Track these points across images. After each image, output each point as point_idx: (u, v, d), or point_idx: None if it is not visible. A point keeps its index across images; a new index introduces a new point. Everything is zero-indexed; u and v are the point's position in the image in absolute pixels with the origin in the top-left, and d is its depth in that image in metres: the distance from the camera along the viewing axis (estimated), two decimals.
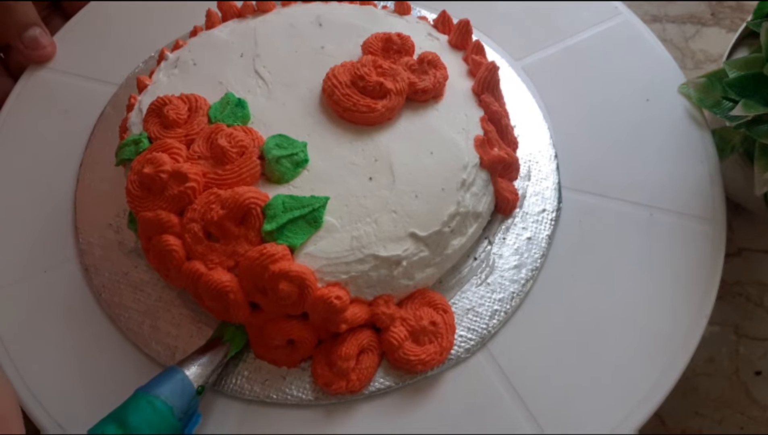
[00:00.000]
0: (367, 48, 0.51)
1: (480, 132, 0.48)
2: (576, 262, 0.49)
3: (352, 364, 0.44)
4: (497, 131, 0.50)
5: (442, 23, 0.55)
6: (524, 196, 0.52)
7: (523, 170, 0.53)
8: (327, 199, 0.44)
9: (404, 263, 0.44)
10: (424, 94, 0.49)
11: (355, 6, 0.56)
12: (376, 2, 0.59)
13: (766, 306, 0.60)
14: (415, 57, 0.51)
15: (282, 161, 0.46)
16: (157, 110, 0.49)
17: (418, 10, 0.62)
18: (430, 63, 0.50)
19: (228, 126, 0.47)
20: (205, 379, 0.41)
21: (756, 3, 0.56)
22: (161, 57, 0.55)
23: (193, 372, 0.41)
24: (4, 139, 0.59)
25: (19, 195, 0.56)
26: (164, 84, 0.53)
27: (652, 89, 0.57)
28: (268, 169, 0.46)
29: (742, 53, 0.59)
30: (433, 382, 0.45)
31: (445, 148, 0.47)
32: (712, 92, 0.55)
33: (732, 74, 0.53)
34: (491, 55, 0.59)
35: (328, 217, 0.44)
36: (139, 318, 0.49)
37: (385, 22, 0.54)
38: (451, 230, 0.46)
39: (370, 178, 0.46)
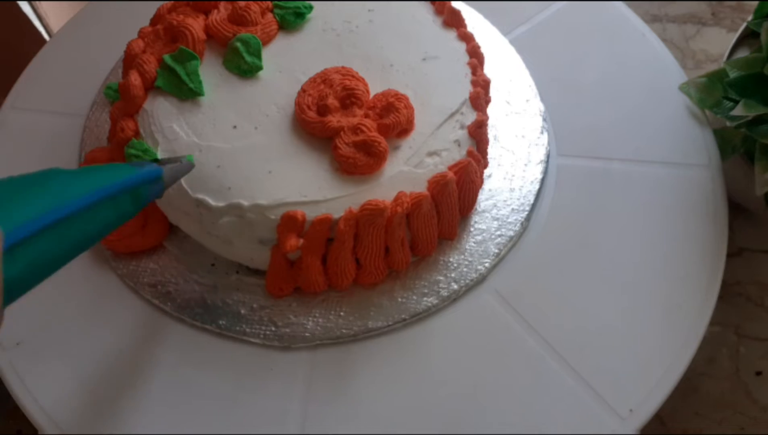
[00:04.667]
0: (381, 94, 0.48)
1: (310, 218, 0.45)
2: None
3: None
4: (329, 248, 0.46)
5: (455, 166, 0.48)
6: (290, 305, 0.48)
7: (321, 304, 0.48)
8: (200, 95, 0.50)
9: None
10: (333, 150, 0.46)
11: (467, 85, 0.50)
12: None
13: (766, 306, 0.60)
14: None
15: (233, 54, 0.51)
16: None
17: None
18: (367, 146, 0.45)
19: (272, 11, 0.54)
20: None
21: (756, 3, 0.57)
22: None
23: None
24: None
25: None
26: None
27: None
28: (228, 47, 0.52)
29: (743, 53, 0.59)
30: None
31: (277, 183, 0.45)
32: (712, 92, 0.55)
33: (732, 74, 0.53)
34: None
35: (189, 103, 0.50)
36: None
37: (445, 112, 0.48)
38: (200, 213, 0.46)
39: (234, 127, 0.48)
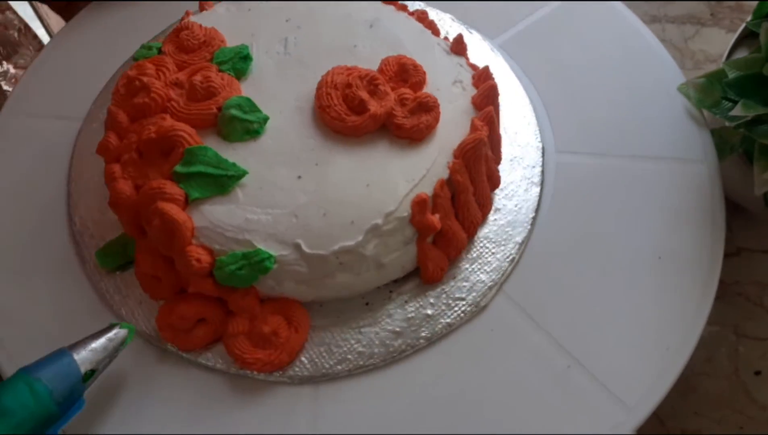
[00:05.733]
0: (383, 64, 0.50)
1: (430, 191, 0.46)
2: (459, 366, 0.46)
3: (185, 325, 0.45)
4: (455, 202, 0.48)
5: (479, 78, 0.51)
6: (454, 276, 0.48)
7: (474, 252, 0.49)
8: (244, 173, 0.46)
9: (275, 266, 0.44)
10: (398, 130, 0.47)
11: (417, 26, 0.54)
12: (450, 29, 0.60)
13: (765, 306, 0.60)
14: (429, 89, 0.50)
15: (234, 122, 0.47)
16: (178, 32, 0.52)
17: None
18: (422, 105, 0.47)
19: (220, 71, 0.50)
20: (96, 364, 0.41)
21: (755, 3, 0.57)
22: None
23: (83, 356, 0.40)
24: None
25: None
26: (216, 15, 0.55)
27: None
28: (220, 122, 0.47)
29: (742, 53, 0.59)
30: (255, 385, 0.45)
31: (382, 188, 0.45)
32: (711, 92, 0.55)
33: (731, 74, 0.53)
34: (532, 137, 0.56)
35: (238, 190, 0.45)
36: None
37: (428, 50, 0.52)
38: (341, 263, 0.44)
39: (299, 177, 0.46)
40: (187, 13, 0.56)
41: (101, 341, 0.42)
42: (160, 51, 0.52)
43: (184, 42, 0.51)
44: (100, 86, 0.61)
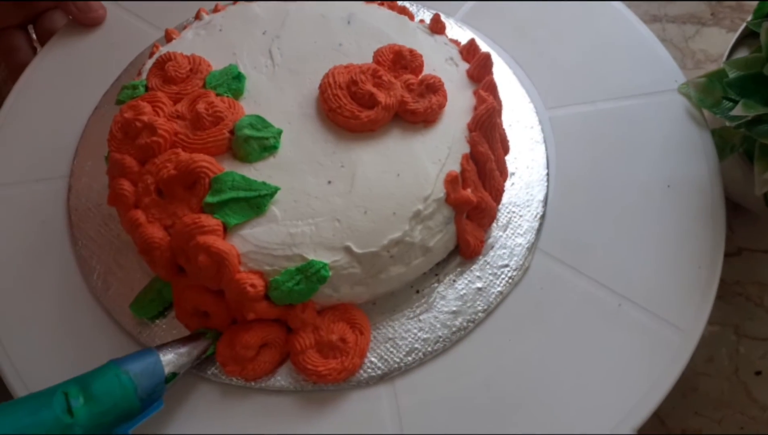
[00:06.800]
0: (377, 56, 0.51)
1: (457, 168, 0.47)
2: (521, 329, 0.47)
3: (250, 354, 0.44)
4: (479, 173, 0.49)
5: (467, 51, 0.53)
6: (492, 246, 0.50)
7: (502, 219, 0.51)
8: (277, 189, 0.45)
9: (330, 273, 0.44)
10: (413, 116, 0.48)
11: (392, 14, 0.55)
12: (413, 12, 0.60)
13: (765, 306, 0.60)
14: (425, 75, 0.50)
15: (250, 142, 0.47)
16: (161, 64, 0.51)
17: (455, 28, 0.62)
18: (429, 87, 0.48)
19: (217, 95, 0.49)
20: (178, 368, 0.42)
21: (756, 3, 0.57)
22: (197, 16, 0.57)
23: (168, 359, 0.41)
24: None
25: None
26: (187, 41, 0.55)
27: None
28: (235, 145, 0.47)
29: (742, 53, 0.59)
30: (329, 396, 0.45)
31: (413, 175, 0.46)
32: (712, 92, 0.55)
33: (732, 74, 0.53)
34: (522, 98, 0.57)
35: (273, 207, 0.45)
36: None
37: (412, 35, 0.53)
38: (391, 256, 0.45)
39: (329, 182, 0.46)
40: (156, 46, 0.55)
41: (187, 347, 0.43)
42: (146, 88, 0.51)
43: (171, 73, 0.50)
44: (73, 140, 0.58)
